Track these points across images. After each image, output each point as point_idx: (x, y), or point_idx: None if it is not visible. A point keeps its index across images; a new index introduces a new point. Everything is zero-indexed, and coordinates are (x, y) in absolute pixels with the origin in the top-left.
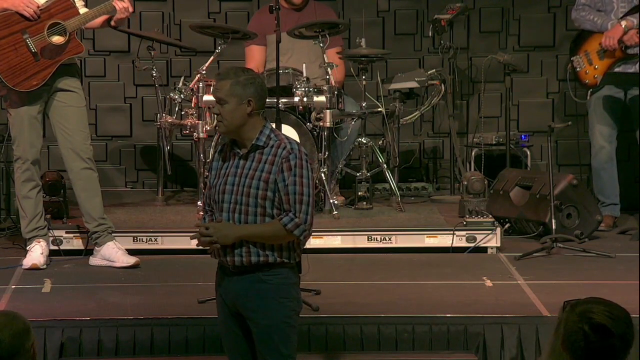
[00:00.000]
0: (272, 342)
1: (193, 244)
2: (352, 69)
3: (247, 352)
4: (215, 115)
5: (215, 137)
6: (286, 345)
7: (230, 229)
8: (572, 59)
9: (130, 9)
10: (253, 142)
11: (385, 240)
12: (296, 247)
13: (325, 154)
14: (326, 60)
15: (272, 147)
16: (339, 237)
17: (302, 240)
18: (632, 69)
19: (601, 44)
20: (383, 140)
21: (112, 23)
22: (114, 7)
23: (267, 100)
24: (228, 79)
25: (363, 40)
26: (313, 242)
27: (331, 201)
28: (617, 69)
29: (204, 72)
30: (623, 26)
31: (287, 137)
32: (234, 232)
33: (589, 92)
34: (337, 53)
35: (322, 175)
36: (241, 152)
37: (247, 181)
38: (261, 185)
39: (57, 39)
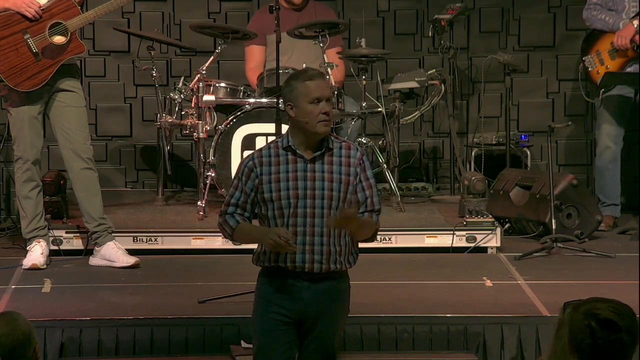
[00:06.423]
0: (331, 347)
1: (195, 244)
2: (352, 69)
3: None
4: (324, 114)
5: (215, 137)
6: (335, 347)
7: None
8: (583, 58)
9: None
10: (327, 145)
11: (385, 240)
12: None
13: None
14: (326, 60)
15: (340, 148)
16: None
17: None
18: None
19: (613, 44)
20: (383, 140)
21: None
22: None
23: (267, 100)
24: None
25: (363, 40)
26: None
27: None
28: (629, 69)
29: (204, 72)
30: (635, 26)
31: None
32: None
33: (601, 91)
34: (337, 53)
35: None
36: (305, 155)
37: (327, 184)
38: (342, 188)
39: (58, 39)
